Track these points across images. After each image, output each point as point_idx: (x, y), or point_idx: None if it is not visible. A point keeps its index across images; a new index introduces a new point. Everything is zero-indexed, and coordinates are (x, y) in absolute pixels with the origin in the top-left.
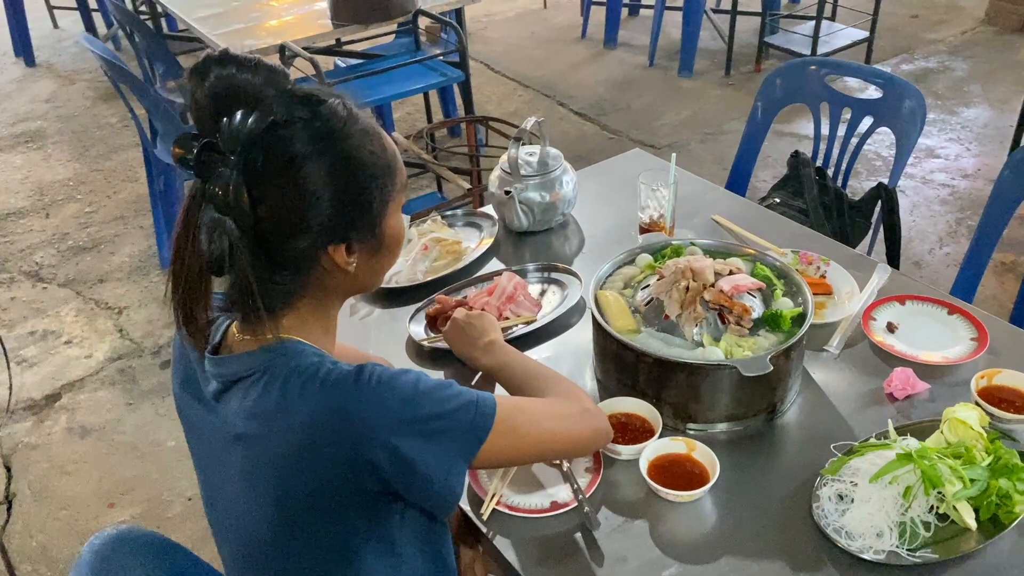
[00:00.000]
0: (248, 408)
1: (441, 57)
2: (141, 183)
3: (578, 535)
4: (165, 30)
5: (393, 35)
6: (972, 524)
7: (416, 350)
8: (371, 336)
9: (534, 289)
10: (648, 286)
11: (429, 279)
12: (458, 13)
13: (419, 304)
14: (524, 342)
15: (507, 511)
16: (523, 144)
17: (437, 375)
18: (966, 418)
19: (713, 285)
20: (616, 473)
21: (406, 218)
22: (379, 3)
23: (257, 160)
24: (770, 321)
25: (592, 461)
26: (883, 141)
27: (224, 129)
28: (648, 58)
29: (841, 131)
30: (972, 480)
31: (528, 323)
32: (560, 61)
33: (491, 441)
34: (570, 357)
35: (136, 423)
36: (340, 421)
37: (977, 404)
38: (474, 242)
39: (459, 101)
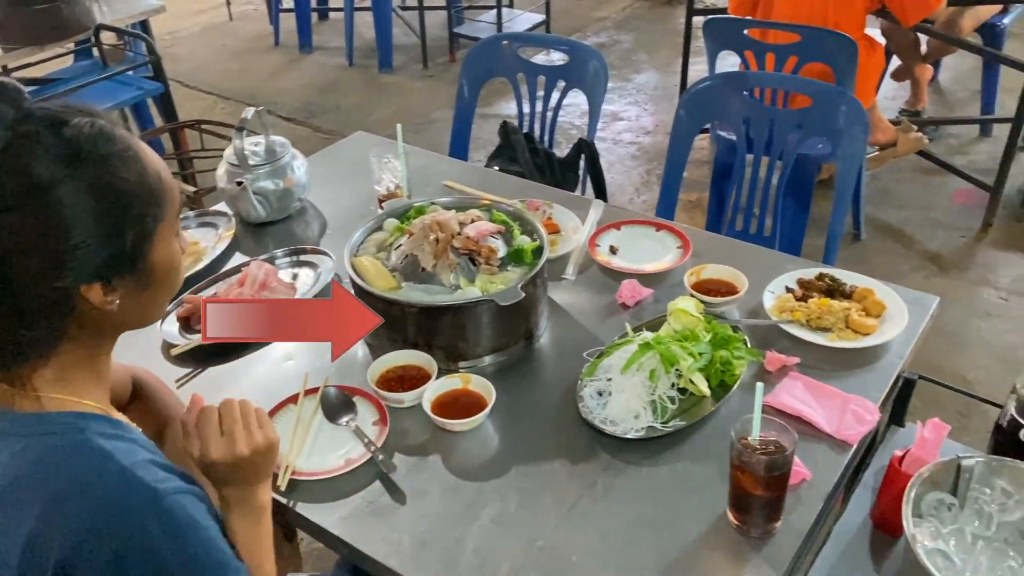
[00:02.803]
0: None
1: (131, 71)
2: None
3: (377, 483)
4: None
5: (72, 57)
6: (706, 391)
7: (168, 352)
8: (122, 339)
9: (285, 275)
10: (400, 245)
11: None
12: (144, 27)
13: (168, 307)
14: None
15: (304, 478)
16: (247, 135)
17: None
18: (686, 307)
19: (460, 234)
20: (403, 422)
21: (185, 240)
22: (54, 20)
23: None
24: (514, 257)
25: (377, 414)
26: (575, 111)
27: None
28: (347, 59)
29: (540, 107)
30: (700, 354)
31: None
32: (258, 70)
33: None
34: None
35: None
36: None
37: (692, 296)
38: (212, 241)
39: (157, 119)
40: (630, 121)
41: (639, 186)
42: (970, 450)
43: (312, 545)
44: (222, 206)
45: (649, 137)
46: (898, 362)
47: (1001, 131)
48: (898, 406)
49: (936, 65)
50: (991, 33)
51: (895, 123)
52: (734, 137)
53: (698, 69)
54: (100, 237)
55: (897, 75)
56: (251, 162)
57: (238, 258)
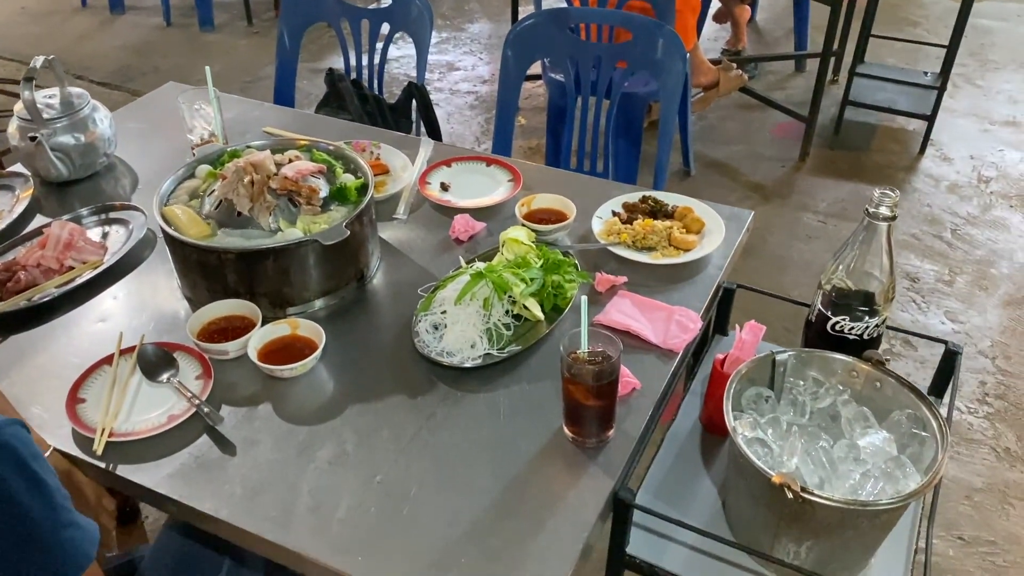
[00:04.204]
0: None
1: None
2: None
3: (204, 437)
4: None
5: None
6: (540, 315)
7: None
8: None
9: (94, 234)
10: (214, 191)
11: None
12: None
13: None
14: (95, 286)
15: (123, 439)
16: (38, 88)
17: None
18: (517, 236)
19: (277, 174)
20: (229, 375)
21: None
22: None
23: None
24: (338, 195)
25: (200, 367)
26: (409, 63)
27: None
28: (164, 18)
29: (366, 56)
30: (532, 279)
31: (96, 267)
32: (65, 34)
33: None
34: (148, 289)
35: None
36: None
37: (523, 225)
38: (8, 204)
39: None
40: (466, 71)
41: (479, 135)
42: (784, 347)
43: (158, 523)
44: (19, 167)
45: (486, 86)
46: (718, 273)
47: (814, 66)
48: (720, 315)
49: (753, 5)
50: None
51: (715, 63)
52: (563, 79)
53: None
54: None
55: (718, 17)
56: (45, 116)
57: (39, 220)
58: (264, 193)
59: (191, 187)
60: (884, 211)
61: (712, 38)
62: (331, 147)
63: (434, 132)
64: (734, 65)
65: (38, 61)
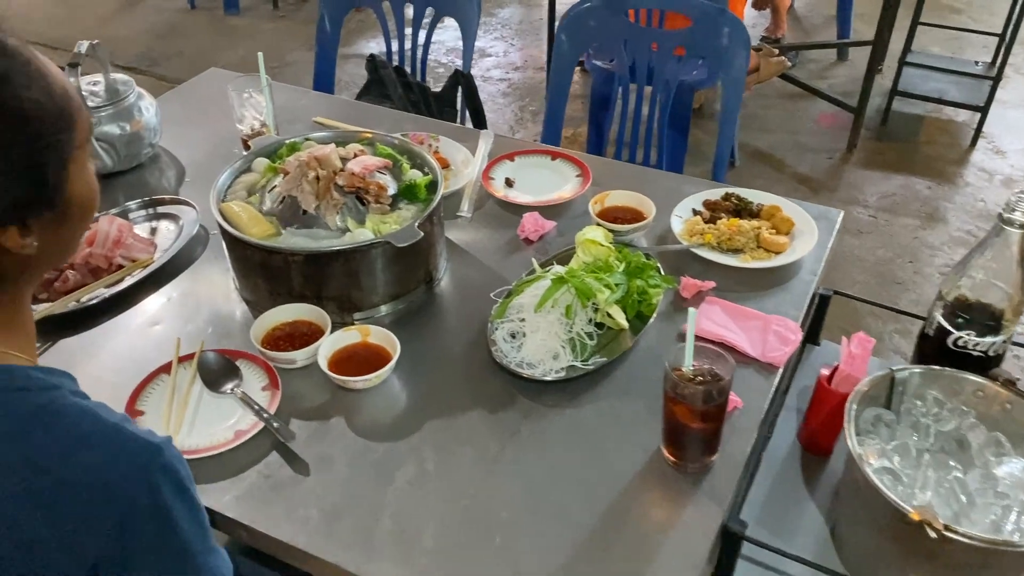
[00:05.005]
0: None
1: None
2: None
3: (274, 454)
4: None
5: None
6: (624, 323)
7: None
8: None
9: (142, 229)
10: (275, 187)
11: None
12: None
13: None
14: (146, 287)
15: (187, 456)
16: (82, 73)
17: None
18: (594, 237)
19: (343, 170)
20: (296, 384)
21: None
22: None
23: None
24: (406, 193)
25: (266, 377)
26: (439, 48)
27: None
28: (188, 1)
29: (408, 42)
30: (616, 284)
31: (146, 266)
32: (87, 16)
33: None
34: (203, 289)
35: None
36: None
37: (599, 224)
38: None
39: None
40: (498, 57)
41: (513, 124)
42: (898, 362)
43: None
44: None
45: (519, 73)
46: (812, 279)
47: (856, 55)
48: (814, 324)
49: None
50: None
51: (755, 49)
52: (608, 66)
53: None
54: (9, 175)
55: (757, 3)
56: (90, 104)
57: None
58: (331, 190)
59: (248, 182)
60: (1020, 216)
61: (751, 25)
62: (395, 141)
63: (480, 122)
64: (775, 51)
65: (83, 46)
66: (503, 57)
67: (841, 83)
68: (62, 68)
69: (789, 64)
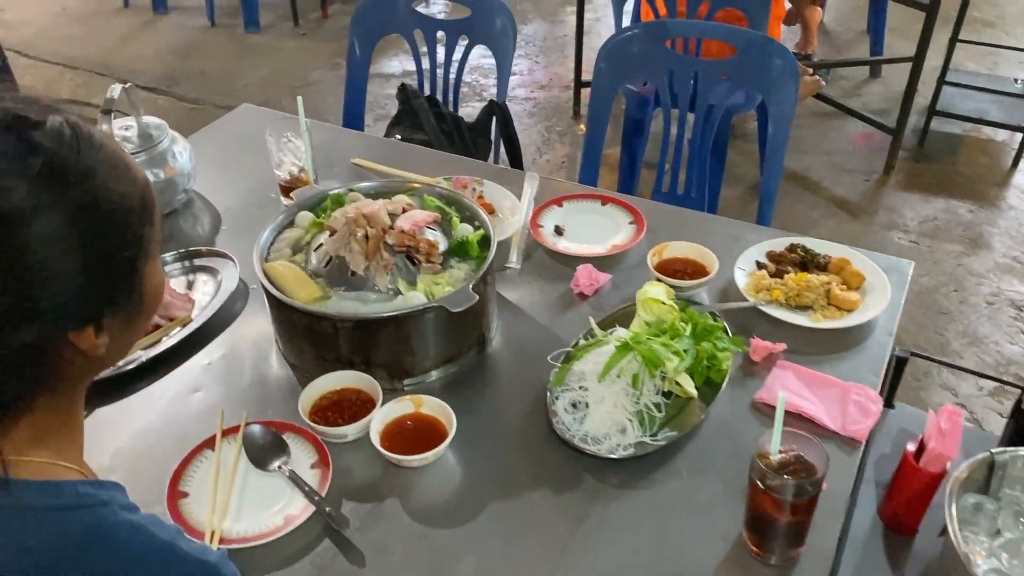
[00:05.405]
0: None
1: None
2: None
3: (326, 541)
4: None
5: None
6: (693, 392)
7: None
8: None
9: (178, 283)
10: (321, 245)
11: None
12: None
13: None
14: (185, 348)
15: (236, 545)
16: (114, 117)
17: None
18: (657, 295)
19: (392, 227)
20: (346, 459)
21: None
22: None
23: None
24: (458, 250)
25: (316, 454)
26: (475, 71)
27: None
28: (208, 18)
29: (440, 67)
30: (685, 351)
31: (184, 324)
32: (108, 35)
33: None
34: (248, 349)
35: None
36: None
37: (659, 280)
38: None
39: None
40: (522, 75)
41: (540, 145)
42: (970, 422)
43: None
44: None
45: (544, 92)
46: (888, 340)
47: (889, 71)
48: (890, 387)
49: (822, 6)
50: None
51: None
52: (642, 90)
53: (589, 18)
54: (91, 274)
55: (788, 19)
56: None
57: None
58: (380, 250)
59: (292, 238)
60: None
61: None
62: (443, 191)
63: (515, 153)
64: (809, 70)
65: (115, 91)
66: (528, 75)
67: (875, 101)
68: (90, 104)
69: (824, 83)
